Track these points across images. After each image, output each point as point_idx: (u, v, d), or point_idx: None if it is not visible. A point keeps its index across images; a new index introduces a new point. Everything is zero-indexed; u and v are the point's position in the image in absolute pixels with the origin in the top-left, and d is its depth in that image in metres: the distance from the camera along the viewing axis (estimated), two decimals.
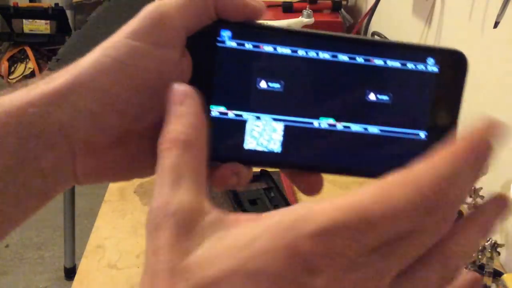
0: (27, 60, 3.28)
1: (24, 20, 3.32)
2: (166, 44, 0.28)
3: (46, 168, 0.28)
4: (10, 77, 3.22)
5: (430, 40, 1.19)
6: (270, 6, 1.71)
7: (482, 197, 0.83)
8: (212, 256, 0.21)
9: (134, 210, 0.96)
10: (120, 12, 1.81)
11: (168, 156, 0.24)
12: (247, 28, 0.30)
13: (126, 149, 0.31)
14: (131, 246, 0.87)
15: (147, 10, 0.28)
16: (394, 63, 0.31)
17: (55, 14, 3.31)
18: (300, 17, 1.38)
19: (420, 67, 0.31)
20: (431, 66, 0.31)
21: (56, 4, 3.34)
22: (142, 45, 0.28)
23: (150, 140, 0.32)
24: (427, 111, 0.31)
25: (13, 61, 3.27)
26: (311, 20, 1.38)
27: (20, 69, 3.26)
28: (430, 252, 0.22)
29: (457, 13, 1.05)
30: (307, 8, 1.40)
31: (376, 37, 1.33)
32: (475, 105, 0.95)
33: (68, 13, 3.34)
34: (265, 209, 0.90)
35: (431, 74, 0.31)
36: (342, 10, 1.69)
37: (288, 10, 1.64)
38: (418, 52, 0.31)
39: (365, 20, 1.46)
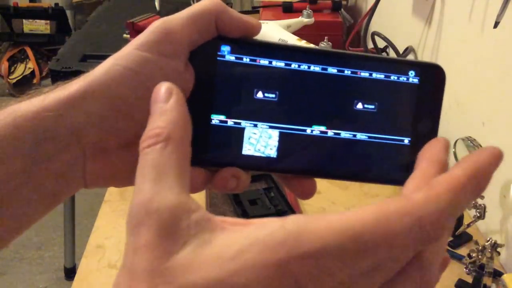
0: (27, 60, 3.28)
1: (24, 20, 3.32)
2: (171, 55, 0.31)
3: (58, 170, 0.30)
4: (10, 77, 3.22)
5: (430, 40, 1.19)
6: (270, 6, 1.71)
7: (482, 197, 0.83)
8: (197, 262, 0.20)
9: None
10: (120, 12, 1.81)
11: (150, 152, 0.24)
12: (245, 44, 0.33)
13: (133, 154, 0.32)
14: None
15: (154, 25, 0.31)
16: (379, 75, 0.33)
17: (55, 14, 3.31)
18: (300, 17, 1.38)
19: (402, 79, 0.34)
20: (412, 78, 0.34)
21: (56, 4, 3.34)
22: (150, 56, 0.31)
23: None
24: (410, 119, 0.34)
25: (13, 61, 3.28)
26: (311, 20, 1.38)
27: (20, 69, 3.26)
28: (409, 263, 0.23)
29: (457, 13, 1.05)
30: (307, 8, 1.39)
31: (373, 38, 1.33)
32: (475, 105, 0.95)
33: (68, 13, 3.35)
34: (265, 209, 0.90)
35: (413, 85, 0.34)
36: (342, 10, 1.69)
37: (288, 10, 1.64)
38: (400, 65, 0.34)
39: (365, 20, 1.46)
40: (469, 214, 0.93)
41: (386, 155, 0.34)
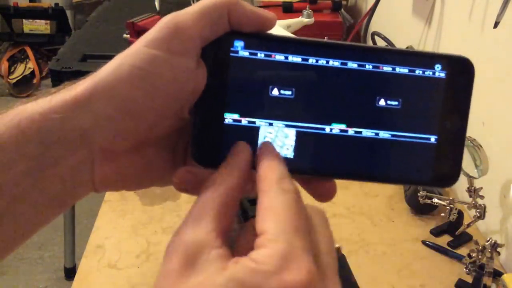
0: (27, 60, 3.28)
1: (24, 20, 3.32)
2: (182, 53, 0.29)
3: (65, 174, 0.29)
4: (10, 77, 3.22)
5: (430, 40, 1.19)
6: (270, 6, 1.71)
7: (482, 197, 0.83)
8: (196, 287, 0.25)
9: (134, 210, 0.96)
10: (120, 12, 1.81)
11: (204, 193, 0.28)
12: (259, 39, 0.31)
13: (143, 157, 0.32)
14: (131, 246, 0.87)
15: (164, 21, 0.30)
16: (403, 70, 0.31)
17: (55, 14, 3.31)
18: (300, 17, 1.38)
19: (428, 73, 0.32)
20: (439, 72, 0.32)
21: (56, 4, 3.34)
22: (159, 53, 0.29)
23: (167, 149, 0.33)
24: (437, 115, 0.32)
25: (13, 61, 3.28)
26: (311, 20, 1.38)
27: (20, 69, 3.26)
28: None
29: (457, 13, 1.05)
30: (307, 8, 1.39)
31: (376, 36, 1.33)
32: (475, 106, 0.95)
33: (68, 13, 3.35)
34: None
35: (439, 79, 0.32)
36: (342, 10, 1.69)
37: (288, 10, 1.64)
38: (426, 59, 0.32)
39: (365, 20, 1.46)
40: (469, 214, 0.93)
41: (411, 155, 0.32)
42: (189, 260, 0.25)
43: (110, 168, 0.30)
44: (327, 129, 0.32)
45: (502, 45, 0.86)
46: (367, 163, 0.32)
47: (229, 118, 0.31)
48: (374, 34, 1.34)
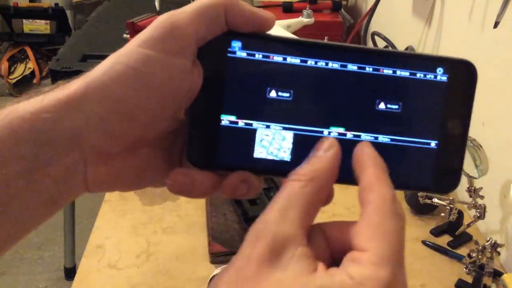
0: (27, 60, 3.28)
1: (24, 20, 3.32)
2: (177, 53, 0.29)
3: (58, 175, 0.28)
4: (10, 77, 3.22)
5: (430, 40, 1.19)
6: (270, 6, 1.71)
7: (482, 197, 0.83)
8: (282, 283, 0.24)
9: (134, 210, 0.96)
10: (120, 12, 1.81)
11: (290, 186, 0.28)
12: (257, 39, 0.31)
13: (137, 158, 0.31)
14: (131, 246, 0.87)
15: (159, 20, 0.29)
16: (403, 73, 0.31)
17: (55, 14, 3.31)
18: (300, 17, 1.38)
19: (429, 76, 0.31)
20: (441, 75, 0.31)
21: (56, 4, 3.34)
22: (153, 53, 0.28)
23: (162, 150, 0.32)
24: (437, 120, 0.31)
25: (13, 61, 3.27)
26: (311, 20, 1.38)
27: (20, 69, 3.26)
28: None
29: (457, 13, 1.05)
30: (307, 8, 1.39)
31: (377, 36, 1.33)
32: (475, 106, 0.95)
33: (68, 13, 3.34)
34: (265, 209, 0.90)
35: (441, 83, 0.31)
36: (342, 10, 1.69)
37: (288, 10, 1.64)
38: (427, 62, 0.31)
39: (365, 20, 1.46)
40: (469, 214, 0.93)
41: (411, 160, 0.31)
42: (275, 250, 0.25)
43: (103, 168, 0.30)
44: (325, 132, 0.31)
45: (502, 45, 0.86)
46: None
47: (226, 119, 0.31)
48: (374, 34, 1.34)
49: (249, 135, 0.31)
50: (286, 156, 0.31)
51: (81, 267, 0.83)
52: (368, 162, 0.29)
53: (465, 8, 0.98)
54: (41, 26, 3.33)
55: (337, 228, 0.28)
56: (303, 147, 0.31)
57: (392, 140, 0.31)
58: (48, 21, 3.32)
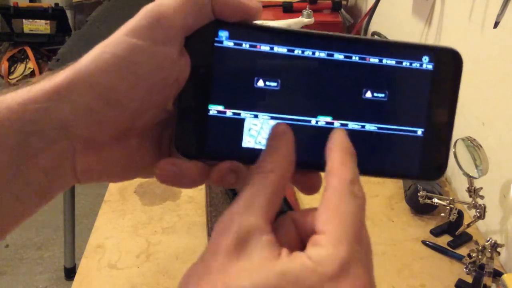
0: (27, 60, 3.28)
1: (24, 20, 3.32)
2: (164, 42, 0.29)
3: (47, 165, 0.28)
4: (10, 77, 3.22)
5: (430, 40, 1.19)
6: (270, 6, 1.71)
7: (482, 197, 0.83)
8: (247, 271, 0.25)
9: (134, 210, 0.96)
10: (120, 12, 1.81)
11: (254, 179, 0.28)
12: (244, 28, 0.31)
13: (126, 147, 0.31)
14: (131, 246, 0.87)
15: (145, 9, 0.29)
16: (390, 61, 0.31)
17: (55, 14, 3.31)
18: (300, 17, 1.38)
19: (415, 65, 0.31)
20: (426, 64, 0.31)
21: (56, 4, 3.34)
22: (140, 42, 0.28)
23: (150, 140, 0.32)
24: (424, 108, 0.32)
25: (13, 61, 3.27)
26: (311, 20, 1.38)
27: (20, 69, 3.26)
28: None
29: (457, 13, 1.05)
30: (307, 8, 1.40)
31: (376, 37, 1.33)
32: (475, 106, 0.95)
33: (68, 13, 3.34)
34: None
35: (427, 71, 0.31)
36: (342, 10, 1.69)
37: (288, 10, 1.64)
38: (413, 50, 0.31)
39: (365, 20, 1.46)
40: (469, 214, 0.93)
41: (397, 148, 0.32)
42: (240, 241, 0.26)
43: (92, 158, 0.30)
44: (313, 121, 0.31)
45: (502, 45, 0.86)
46: None
47: (214, 109, 0.31)
48: (374, 34, 1.34)
49: (237, 125, 0.31)
50: None
51: (81, 267, 0.83)
52: (335, 147, 0.29)
53: (465, 8, 0.98)
54: (41, 26, 3.33)
55: (304, 215, 0.29)
56: None
57: (379, 128, 0.32)
58: (48, 21, 3.32)
